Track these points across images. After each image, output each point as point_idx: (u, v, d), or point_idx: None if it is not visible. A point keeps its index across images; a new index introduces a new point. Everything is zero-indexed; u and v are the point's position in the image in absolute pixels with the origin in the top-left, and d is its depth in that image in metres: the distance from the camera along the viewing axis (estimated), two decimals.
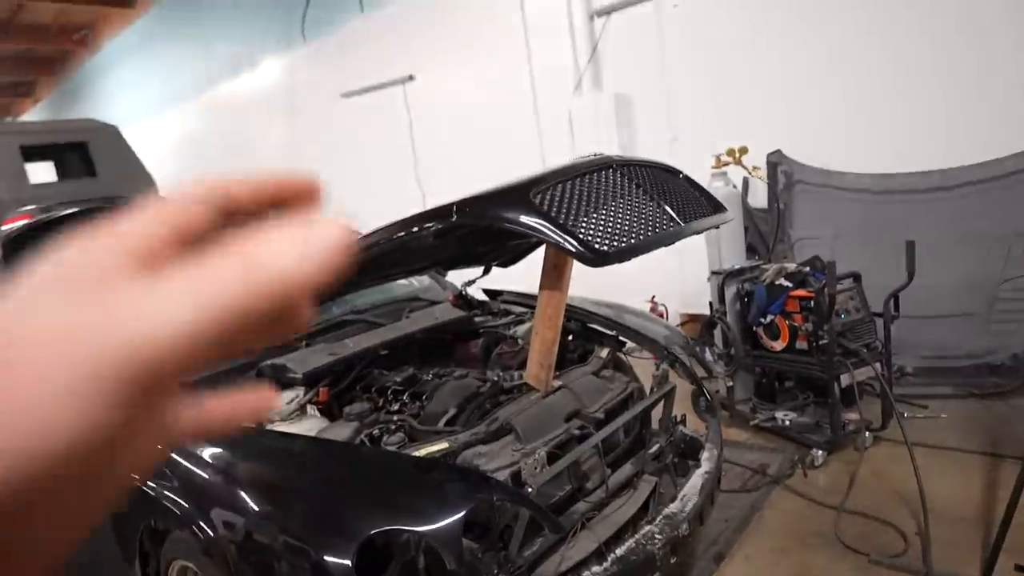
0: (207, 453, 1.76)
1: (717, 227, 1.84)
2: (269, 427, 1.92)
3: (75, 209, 4.38)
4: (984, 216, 3.47)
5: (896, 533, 2.41)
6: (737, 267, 3.29)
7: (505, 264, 2.93)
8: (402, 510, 1.47)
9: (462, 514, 1.44)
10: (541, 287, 2.01)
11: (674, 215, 1.64)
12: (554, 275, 1.95)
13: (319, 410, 2.08)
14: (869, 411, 3.08)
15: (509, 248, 2.76)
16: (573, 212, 1.46)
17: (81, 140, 8.54)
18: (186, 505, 1.63)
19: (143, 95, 11.02)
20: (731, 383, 3.29)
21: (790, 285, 3.00)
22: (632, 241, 1.48)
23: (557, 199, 1.48)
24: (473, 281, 3.06)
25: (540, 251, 2.82)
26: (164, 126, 10.64)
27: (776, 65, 4.22)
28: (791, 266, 3.06)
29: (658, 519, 1.83)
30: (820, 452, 2.91)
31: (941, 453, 2.90)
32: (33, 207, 5.05)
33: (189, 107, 9.89)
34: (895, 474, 2.77)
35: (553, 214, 1.42)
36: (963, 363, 3.47)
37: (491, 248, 2.69)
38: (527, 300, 2.99)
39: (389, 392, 2.21)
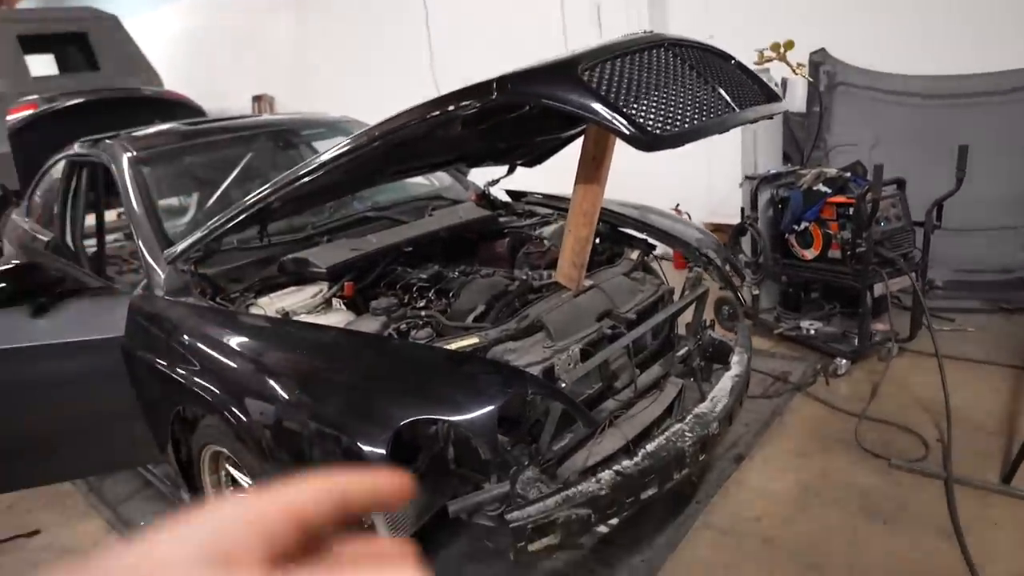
0: (235, 341, 1.74)
1: (771, 117, 1.71)
2: (296, 319, 1.89)
3: (81, 100, 4.23)
4: None
5: (917, 439, 2.42)
6: (773, 172, 3.14)
7: (530, 163, 2.81)
8: (437, 400, 1.45)
9: (497, 406, 1.42)
10: (577, 181, 1.91)
11: (729, 100, 1.51)
12: (591, 167, 1.84)
13: (344, 304, 2.05)
14: (896, 322, 3.03)
15: (536, 145, 2.63)
16: (624, 92, 1.34)
17: (81, 30, 8.14)
18: (218, 392, 1.63)
19: None
20: (757, 292, 3.23)
21: (828, 191, 2.87)
22: (686, 125, 1.36)
23: (607, 77, 1.35)
24: (497, 180, 2.96)
25: (565, 151, 2.71)
26: (162, 21, 10.13)
27: None
28: (831, 171, 2.92)
29: (688, 418, 1.82)
30: (844, 361, 2.89)
31: (966, 365, 2.88)
32: (36, 97, 4.88)
33: (188, 2, 9.38)
34: (918, 384, 2.76)
35: (603, 92, 1.30)
36: (995, 277, 3.38)
37: (517, 144, 2.57)
38: (552, 202, 2.89)
39: (414, 288, 2.16)
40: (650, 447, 1.70)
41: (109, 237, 4.60)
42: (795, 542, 2.00)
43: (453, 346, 1.67)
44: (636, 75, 1.41)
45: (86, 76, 7.41)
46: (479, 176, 3.14)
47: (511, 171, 2.88)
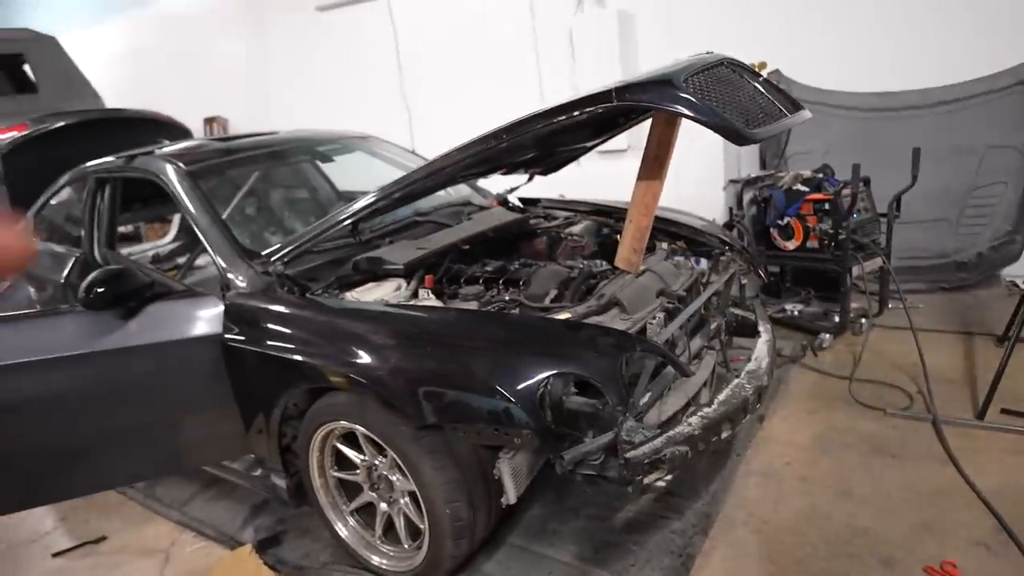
0: (360, 325, 1.93)
1: (801, 123, 2.09)
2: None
3: (73, 121, 4.21)
4: (960, 132, 3.89)
5: (901, 393, 2.87)
6: (754, 175, 3.59)
7: (546, 172, 3.12)
8: (569, 358, 1.70)
9: (620, 359, 1.71)
10: (639, 178, 2.22)
11: (779, 106, 1.88)
12: (654, 166, 2.17)
13: (431, 293, 2.27)
14: (859, 302, 3.54)
15: (556, 155, 2.94)
16: (715, 98, 1.67)
17: (16, 52, 7.82)
18: (360, 366, 1.80)
19: (72, 2, 10.07)
20: (744, 281, 3.65)
21: (807, 189, 3.33)
22: (761, 126, 1.71)
23: (700, 87, 1.68)
24: (515, 188, 3.25)
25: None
26: (100, 39, 9.81)
27: None
28: (806, 172, 3.39)
29: (743, 373, 2.15)
30: (828, 336, 3.34)
31: (924, 334, 3.38)
32: (24, 118, 4.76)
33: (131, 18, 9.16)
34: (892, 351, 3.25)
35: (704, 99, 1.62)
36: (934, 262, 3.97)
37: (545, 154, 2.87)
38: (567, 205, 3.22)
39: (481, 280, 2.41)
40: (722, 396, 2.01)
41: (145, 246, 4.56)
42: (825, 477, 2.37)
43: (561, 317, 1.93)
44: (715, 85, 1.75)
45: (24, 99, 7.14)
46: (486, 185, 3.42)
47: (530, 179, 3.17)
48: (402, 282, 2.35)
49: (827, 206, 3.27)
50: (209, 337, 2.14)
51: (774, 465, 2.48)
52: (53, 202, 3.56)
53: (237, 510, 2.60)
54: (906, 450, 2.48)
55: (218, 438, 2.32)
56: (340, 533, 2.18)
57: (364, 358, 1.81)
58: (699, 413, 1.93)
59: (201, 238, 2.42)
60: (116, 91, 8.19)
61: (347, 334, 1.90)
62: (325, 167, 3.76)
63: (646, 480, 1.77)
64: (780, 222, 3.43)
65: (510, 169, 3.01)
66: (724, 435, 1.97)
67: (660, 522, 2.23)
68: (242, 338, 2.10)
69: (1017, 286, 3.90)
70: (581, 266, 2.43)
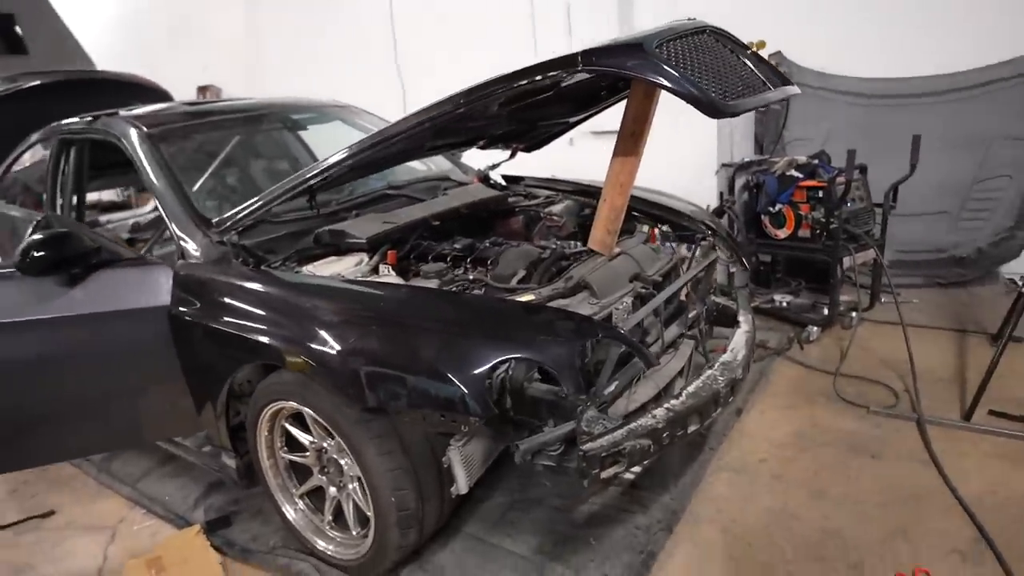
0: (313, 300, 1.81)
1: (787, 99, 1.95)
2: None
3: (48, 81, 4.08)
4: (966, 122, 3.73)
5: (887, 390, 2.76)
6: (747, 160, 3.45)
7: (529, 149, 2.99)
8: (523, 343, 1.59)
9: (577, 345, 1.60)
10: (615, 154, 2.09)
11: (764, 79, 1.75)
12: (630, 142, 2.04)
13: (392, 270, 2.16)
14: (850, 295, 3.42)
15: (537, 131, 2.81)
16: (689, 66, 1.54)
17: (6, 11, 7.67)
18: (308, 345, 1.69)
19: None
20: (732, 269, 3.53)
21: (800, 176, 3.20)
22: (739, 98, 1.58)
23: (674, 54, 1.54)
24: (497, 164, 3.12)
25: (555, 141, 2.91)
26: (94, 4, 9.62)
27: None
28: (801, 158, 3.25)
29: (716, 365, 2.04)
30: (815, 328, 3.23)
31: (916, 330, 3.26)
32: None
33: None
34: (880, 347, 3.13)
35: (676, 66, 1.49)
36: (930, 256, 3.84)
37: (525, 129, 2.74)
38: (549, 184, 3.09)
39: (448, 258, 2.29)
40: (691, 388, 1.90)
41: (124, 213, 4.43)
42: (799, 476, 2.27)
43: (523, 299, 1.82)
44: (693, 53, 1.61)
45: (14, 60, 6.99)
46: (468, 161, 3.29)
47: (512, 155, 3.04)
48: (364, 257, 2.23)
49: (820, 193, 3.13)
50: (155, 309, 2.04)
51: (748, 461, 2.38)
52: (28, 163, 3.44)
53: (191, 489, 2.51)
54: (887, 450, 2.37)
55: (171, 414, 2.22)
56: (288, 516, 2.09)
57: (307, 335, 1.70)
58: (665, 405, 1.82)
59: (157, 204, 2.31)
60: (111, 56, 8.02)
61: (293, 309, 1.79)
62: (307, 138, 3.64)
63: (604, 474, 1.66)
64: (771, 209, 3.30)
65: (489, 143, 2.88)
66: (691, 429, 1.86)
67: (624, 516, 2.13)
68: (190, 310, 1.99)
69: (1016, 284, 3.76)
70: (553, 246, 2.31)
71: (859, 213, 3.18)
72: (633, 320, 1.88)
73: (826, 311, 3.27)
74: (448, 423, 1.60)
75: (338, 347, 1.65)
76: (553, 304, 1.93)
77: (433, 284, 2.02)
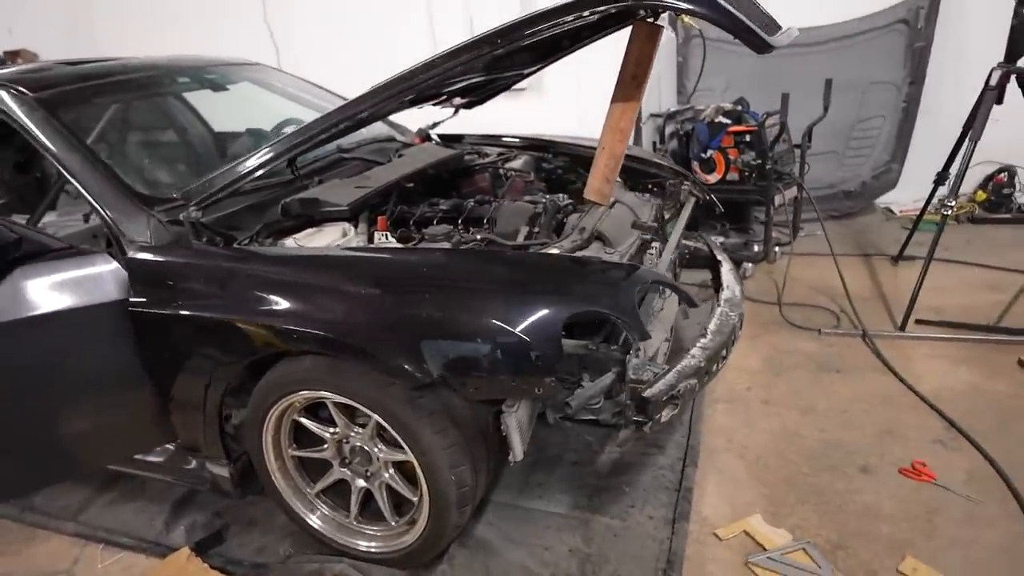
0: (330, 275, 1.61)
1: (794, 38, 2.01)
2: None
3: None
4: (844, 69, 4.13)
5: (828, 313, 3.05)
6: (674, 109, 3.57)
7: (470, 105, 2.86)
8: (584, 296, 1.53)
9: (635, 291, 1.57)
10: (614, 100, 2.04)
11: (772, 19, 1.78)
12: (631, 87, 1.99)
13: (391, 237, 1.97)
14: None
15: (485, 87, 2.70)
16: (734, 4, 1.52)
17: None
18: (342, 323, 1.50)
19: None
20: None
21: (728, 122, 3.37)
22: (773, 35, 1.60)
23: None
24: (439, 123, 2.95)
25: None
26: None
27: None
28: (727, 105, 3.42)
29: (722, 302, 2.11)
30: (751, 265, 3.46)
31: (829, 258, 3.63)
32: None
33: None
34: (807, 275, 3.44)
35: (730, 2, 1.47)
36: (825, 192, 4.26)
37: (473, 84, 2.61)
38: (491, 142, 3.00)
39: (435, 220, 2.15)
40: (713, 326, 1.95)
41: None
42: (784, 397, 2.45)
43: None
44: None
45: None
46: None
47: (455, 113, 2.89)
48: (347, 226, 2.02)
49: (748, 138, 3.32)
50: (106, 305, 1.70)
51: (736, 390, 2.52)
52: None
53: (153, 511, 2.17)
54: (847, 364, 2.63)
55: (126, 428, 1.89)
56: (308, 520, 1.87)
57: (338, 312, 1.51)
58: (699, 344, 1.85)
59: (75, 184, 1.88)
60: None
61: (316, 289, 1.57)
62: (197, 103, 3.17)
63: (664, 417, 1.67)
64: (703, 155, 3.45)
65: (448, 98, 2.71)
66: (723, 363, 1.92)
67: (645, 460, 2.17)
68: (157, 303, 1.68)
69: (892, 212, 4.31)
70: (544, 200, 2.24)
71: (783, 154, 3.42)
72: (662, 266, 1.88)
73: (756, 248, 3.52)
74: (519, 388, 1.51)
75: (386, 320, 1.48)
76: (574, 256, 1.89)
77: (445, 247, 1.88)
